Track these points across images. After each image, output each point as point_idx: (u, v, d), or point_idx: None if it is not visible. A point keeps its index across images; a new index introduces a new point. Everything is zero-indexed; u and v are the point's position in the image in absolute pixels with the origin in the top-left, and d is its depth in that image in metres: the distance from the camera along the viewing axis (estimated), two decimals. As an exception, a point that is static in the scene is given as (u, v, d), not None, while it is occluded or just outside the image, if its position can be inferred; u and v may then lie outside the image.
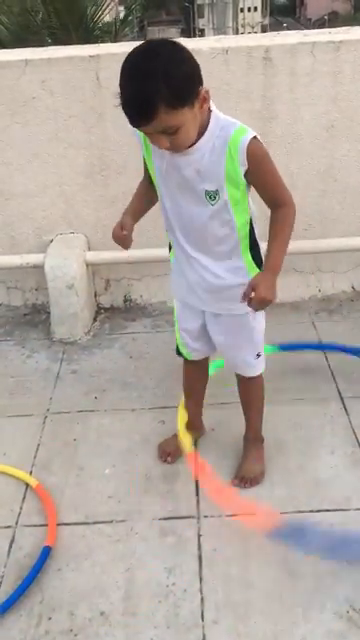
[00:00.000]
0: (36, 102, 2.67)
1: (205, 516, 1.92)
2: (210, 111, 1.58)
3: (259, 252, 1.81)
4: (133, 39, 15.60)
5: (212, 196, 1.65)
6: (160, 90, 1.39)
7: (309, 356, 2.61)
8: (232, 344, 1.93)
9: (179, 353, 2.06)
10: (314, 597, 1.67)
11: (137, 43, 2.86)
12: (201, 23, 50.54)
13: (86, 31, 9.04)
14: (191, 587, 1.72)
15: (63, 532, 1.91)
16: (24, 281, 3.05)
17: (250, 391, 2.07)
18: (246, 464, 2.08)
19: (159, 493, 2.02)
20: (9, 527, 1.93)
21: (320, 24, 48.67)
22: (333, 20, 49.05)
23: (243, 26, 52.79)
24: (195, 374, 2.12)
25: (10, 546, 1.87)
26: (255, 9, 55.54)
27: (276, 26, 56.54)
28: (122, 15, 12.33)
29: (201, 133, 1.56)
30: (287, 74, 2.60)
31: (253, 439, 2.11)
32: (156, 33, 50.98)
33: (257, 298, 1.63)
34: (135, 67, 1.45)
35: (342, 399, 2.37)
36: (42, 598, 1.72)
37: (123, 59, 2.67)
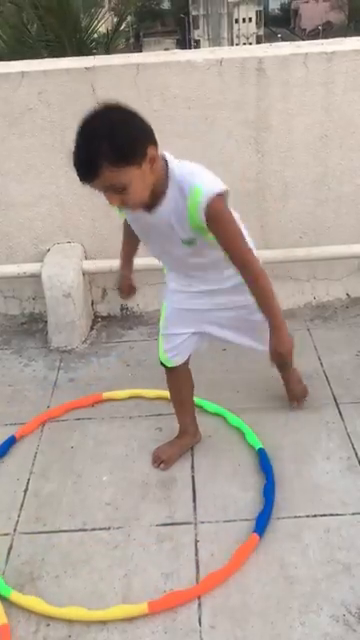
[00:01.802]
0: (33, 113, 2.71)
1: (202, 522, 1.94)
2: (166, 168, 1.63)
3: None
4: (128, 50, 15.72)
5: (189, 242, 1.73)
6: (103, 149, 1.47)
7: (305, 362, 2.63)
8: (246, 334, 2.04)
9: (162, 363, 2.09)
10: (311, 601, 1.68)
11: (132, 54, 2.91)
12: (196, 34, 50.95)
13: (80, 43, 9.11)
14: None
15: (60, 539, 1.92)
16: (21, 290, 3.07)
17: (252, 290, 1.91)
18: (292, 384, 2.33)
19: (156, 499, 2.03)
20: (7, 534, 1.94)
21: (314, 34, 49.12)
22: (327, 30, 49.50)
23: (238, 37, 53.26)
24: (179, 382, 2.14)
25: (8, 553, 1.88)
26: (250, 20, 56.06)
27: (271, 37, 57.07)
28: (118, 26, 12.43)
29: (162, 192, 1.63)
30: (280, 85, 2.64)
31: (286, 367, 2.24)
32: (152, 44, 51.40)
33: (276, 358, 1.80)
34: (84, 128, 1.53)
35: (337, 405, 2.39)
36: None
37: (119, 71, 2.72)
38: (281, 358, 1.80)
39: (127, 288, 2.18)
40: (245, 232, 1.76)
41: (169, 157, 1.65)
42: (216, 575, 1.74)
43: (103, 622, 1.66)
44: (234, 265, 1.72)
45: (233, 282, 1.86)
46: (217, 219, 1.62)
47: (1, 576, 1.78)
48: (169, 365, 2.07)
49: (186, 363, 2.09)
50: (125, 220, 1.94)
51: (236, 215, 1.72)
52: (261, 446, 2.15)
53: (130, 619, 1.67)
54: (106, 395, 2.48)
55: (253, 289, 1.74)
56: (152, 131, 1.56)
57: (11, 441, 2.27)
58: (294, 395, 2.37)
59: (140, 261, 2.86)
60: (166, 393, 2.24)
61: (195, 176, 1.62)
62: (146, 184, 1.57)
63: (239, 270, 1.72)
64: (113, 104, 1.55)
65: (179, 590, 1.73)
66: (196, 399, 2.25)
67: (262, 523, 1.88)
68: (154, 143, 1.56)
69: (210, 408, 2.36)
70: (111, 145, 1.47)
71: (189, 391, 2.18)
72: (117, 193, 1.55)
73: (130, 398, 2.48)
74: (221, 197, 1.61)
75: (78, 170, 1.54)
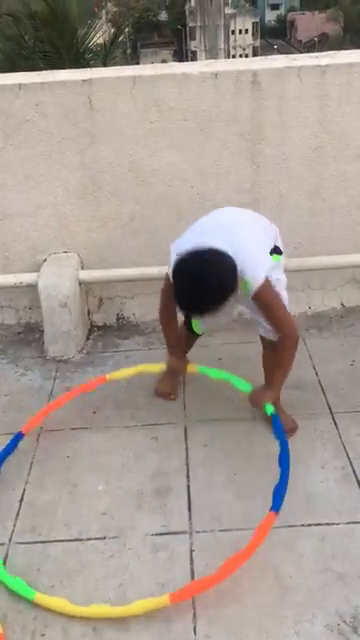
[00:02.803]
0: (30, 125, 2.73)
1: (197, 531, 1.94)
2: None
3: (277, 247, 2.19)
4: (126, 61, 15.80)
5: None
6: (210, 304, 1.91)
7: (300, 371, 2.64)
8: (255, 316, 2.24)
9: (189, 329, 2.43)
10: (305, 610, 1.69)
11: (128, 67, 2.94)
12: (193, 45, 51.31)
13: (77, 54, 9.18)
14: (183, 602, 1.73)
15: (56, 549, 1.92)
16: (18, 300, 3.08)
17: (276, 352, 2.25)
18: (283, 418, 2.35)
19: (152, 509, 2.04)
20: (2, 544, 1.94)
21: (310, 46, 49.49)
22: (323, 42, 49.88)
23: (234, 48, 53.65)
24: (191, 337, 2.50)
25: (4, 563, 1.87)
26: (246, 31, 56.48)
27: (267, 48, 57.48)
28: (115, 37, 12.53)
29: None
30: (275, 97, 2.67)
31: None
32: (149, 55, 51.70)
33: (250, 400, 2.24)
34: (190, 277, 1.89)
35: (332, 414, 2.40)
36: (36, 615, 1.73)
37: (115, 83, 2.75)
38: (253, 404, 2.24)
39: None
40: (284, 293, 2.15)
41: (237, 252, 1.96)
42: (234, 560, 1.72)
43: (98, 632, 1.67)
44: (275, 331, 2.10)
45: None
46: (263, 301, 2.04)
47: (22, 579, 1.78)
48: (200, 333, 2.45)
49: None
50: (163, 311, 2.33)
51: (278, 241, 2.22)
52: (273, 412, 2.18)
53: (151, 612, 1.68)
54: (110, 376, 2.49)
55: (280, 356, 2.12)
56: (237, 271, 1.92)
57: (19, 437, 2.26)
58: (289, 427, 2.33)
59: (136, 271, 2.91)
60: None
61: (246, 269, 1.95)
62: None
63: (278, 335, 2.10)
64: (211, 256, 1.90)
65: (198, 579, 1.74)
66: (199, 368, 2.43)
67: (278, 498, 1.86)
68: (237, 278, 1.93)
69: (215, 375, 2.41)
70: (218, 299, 1.90)
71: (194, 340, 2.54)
72: None
73: (136, 374, 2.52)
74: (263, 288, 1.98)
75: (188, 311, 2.06)
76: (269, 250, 2.11)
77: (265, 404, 2.16)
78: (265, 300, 2.02)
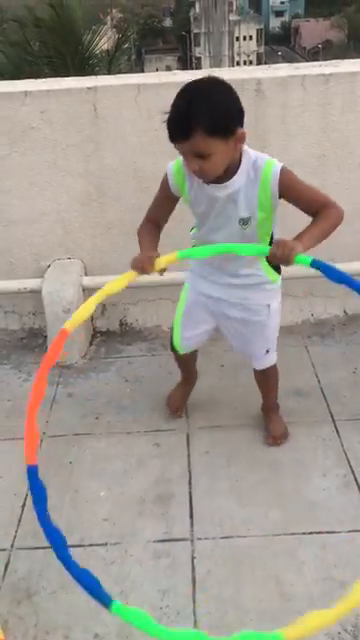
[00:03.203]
0: (35, 132, 2.75)
1: (199, 538, 1.95)
2: (242, 152, 1.78)
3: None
4: (130, 67, 15.87)
5: (245, 222, 1.86)
6: (201, 115, 1.60)
7: (302, 378, 2.65)
8: (244, 339, 2.16)
9: (173, 349, 2.29)
10: (306, 619, 1.68)
11: (133, 75, 2.96)
12: (197, 51, 51.47)
13: (82, 60, 9.23)
14: (184, 609, 1.73)
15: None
16: (21, 305, 3.10)
17: (263, 377, 2.30)
18: (272, 425, 2.32)
19: (153, 515, 2.04)
20: (4, 550, 1.95)
21: (314, 53, 49.65)
22: (327, 49, 50.06)
23: (239, 54, 53.81)
24: (187, 360, 2.38)
25: (5, 569, 1.88)
26: (250, 38, 56.68)
27: (271, 54, 57.68)
28: (120, 43, 12.61)
29: (235, 168, 1.77)
30: (279, 105, 2.69)
31: (271, 407, 2.36)
32: (153, 61, 51.89)
33: (279, 245, 1.67)
34: (189, 90, 1.68)
35: (334, 422, 2.40)
36: (37, 621, 1.73)
37: (120, 91, 2.76)
38: (279, 256, 1.68)
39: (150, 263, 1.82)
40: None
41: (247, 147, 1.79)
42: None
43: (99, 638, 1.67)
44: (315, 212, 1.81)
45: (244, 282, 2.03)
46: (290, 182, 1.80)
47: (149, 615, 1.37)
48: (180, 352, 2.28)
49: (196, 352, 2.35)
50: (147, 225, 2.03)
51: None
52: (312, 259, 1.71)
53: (127, 635, 1.66)
54: (69, 325, 1.82)
55: (320, 218, 1.82)
56: (244, 114, 1.70)
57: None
58: (274, 433, 2.32)
59: (139, 278, 2.90)
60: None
61: (264, 157, 1.80)
62: (227, 159, 1.70)
63: (319, 212, 1.82)
64: (219, 78, 1.69)
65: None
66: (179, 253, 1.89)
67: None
68: (243, 125, 1.70)
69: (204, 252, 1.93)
70: (210, 114, 1.60)
71: (194, 359, 2.41)
72: (199, 159, 1.66)
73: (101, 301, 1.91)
74: (290, 170, 1.80)
75: (170, 128, 1.67)
76: None
77: (297, 254, 1.68)
78: (293, 184, 1.80)
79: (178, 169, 1.87)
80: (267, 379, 2.31)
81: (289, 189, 1.80)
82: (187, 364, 2.41)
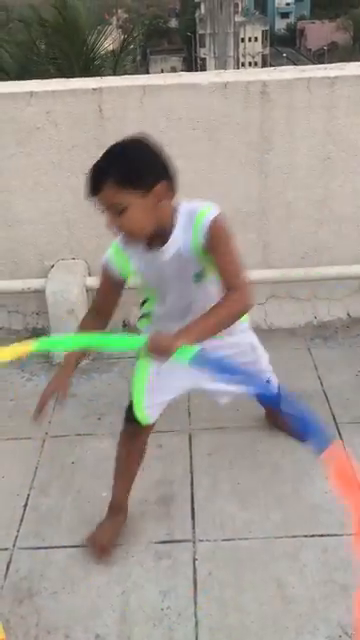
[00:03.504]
0: (40, 132, 2.75)
1: (200, 540, 1.95)
2: (176, 208, 1.64)
3: None
4: (135, 67, 15.89)
5: (200, 275, 1.71)
6: (112, 166, 1.54)
7: (304, 381, 2.65)
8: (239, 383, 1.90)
9: (130, 419, 1.90)
10: (307, 621, 1.69)
11: (139, 76, 2.96)
12: (202, 52, 51.49)
13: (87, 60, 9.25)
14: (186, 611, 1.74)
15: (59, 555, 1.93)
16: (25, 305, 3.10)
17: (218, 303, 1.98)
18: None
19: (155, 517, 2.04)
20: (6, 549, 1.95)
21: (320, 54, 49.62)
22: (333, 50, 50.04)
23: (244, 56, 53.84)
24: (137, 444, 1.96)
25: (7, 568, 1.89)
26: (256, 39, 56.70)
27: (276, 56, 57.67)
28: (125, 44, 12.62)
29: (171, 227, 1.64)
30: (284, 108, 2.69)
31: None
32: (158, 62, 51.94)
33: (153, 340, 1.51)
34: (109, 148, 1.61)
35: (337, 424, 2.40)
36: (38, 621, 1.73)
37: (125, 92, 2.77)
38: (151, 350, 1.51)
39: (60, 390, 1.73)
40: None
41: (185, 204, 1.67)
42: None
43: (100, 639, 1.67)
44: (225, 284, 1.63)
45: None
46: (218, 234, 1.61)
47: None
48: (145, 422, 1.89)
49: (149, 433, 1.97)
50: (88, 313, 1.93)
51: None
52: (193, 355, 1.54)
53: (129, 636, 1.67)
54: None
55: (217, 305, 1.61)
56: (170, 173, 1.60)
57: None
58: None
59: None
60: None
61: (201, 204, 1.66)
62: (147, 217, 1.58)
63: (227, 290, 1.63)
64: (143, 137, 1.62)
65: None
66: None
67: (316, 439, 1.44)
68: (168, 183, 1.58)
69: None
70: (121, 165, 1.55)
71: (139, 463, 2.00)
72: (116, 214, 1.57)
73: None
74: (224, 220, 1.62)
75: (87, 182, 1.60)
76: None
77: (179, 348, 1.48)
78: (222, 235, 1.61)
79: (116, 250, 1.76)
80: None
81: (213, 241, 1.61)
82: (130, 460, 1.99)
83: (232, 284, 1.63)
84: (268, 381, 2.11)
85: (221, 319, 1.61)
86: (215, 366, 1.55)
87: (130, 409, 1.89)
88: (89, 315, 1.91)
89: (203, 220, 1.61)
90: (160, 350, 1.49)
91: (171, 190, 1.60)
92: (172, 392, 1.93)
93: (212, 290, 1.72)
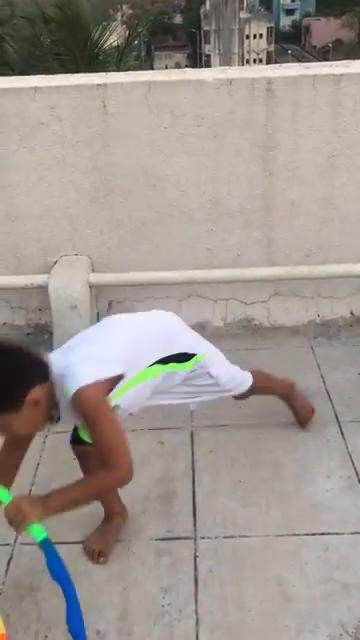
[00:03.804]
0: (44, 128, 2.75)
1: (202, 537, 1.95)
2: (52, 393, 1.59)
3: (181, 354, 1.87)
4: (140, 64, 15.84)
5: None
6: None
7: (307, 379, 2.64)
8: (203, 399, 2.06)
9: (75, 441, 1.90)
10: (308, 620, 1.69)
11: (143, 72, 2.96)
12: (207, 49, 51.31)
13: (91, 56, 9.23)
14: (186, 608, 1.74)
15: (60, 551, 1.92)
16: (28, 301, 3.10)
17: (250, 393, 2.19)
18: (298, 410, 2.36)
19: (157, 513, 2.04)
20: (7, 545, 1.95)
21: (325, 52, 49.46)
22: (338, 48, 49.85)
23: (249, 52, 53.66)
24: (92, 463, 1.84)
25: (8, 564, 1.89)
26: (260, 36, 56.49)
27: (281, 53, 57.48)
28: (129, 40, 12.57)
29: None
30: (289, 105, 2.68)
31: (285, 394, 2.35)
32: (163, 58, 51.83)
33: (9, 509, 1.50)
34: None
35: (339, 423, 2.40)
36: (39, 616, 1.74)
37: (130, 88, 2.76)
38: (7, 516, 1.51)
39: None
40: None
41: (55, 365, 1.61)
42: None
43: (101, 635, 1.67)
44: (99, 458, 1.61)
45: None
46: (83, 413, 1.57)
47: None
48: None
49: None
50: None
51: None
52: (43, 538, 1.54)
53: (129, 632, 1.67)
54: None
55: (87, 477, 1.74)
56: (38, 371, 1.55)
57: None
58: (299, 419, 2.38)
59: (146, 275, 2.92)
60: None
61: (66, 376, 1.58)
62: (32, 421, 1.58)
63: (101, 471, 1.62)
64: None
65: None
66: None
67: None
68: (40, 382, 1.54)
69: None
70: None
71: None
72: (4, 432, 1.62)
73: None
74: (88, 388, 1.54)
75: None
76: (148, 359, 1.76)
77: (31, 524, 1.50)
78: (86, 411, 1.56)
79: None
80: (255, 392, 2.23)
81: (84, 417, 1.58)
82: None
83: (105, 459, 1.59)
84: (235, 387, 2.14)
85: (92, 492, 1.65)
86: (52, 562, 1.51)
87: (75, 430, 1.88)
88: (7, 455, 1.83)
89: (69, 398, 1.56)
90: (13, 522, 1.49)
91: (45, 382, 1.56)
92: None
93: None
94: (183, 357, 1.87)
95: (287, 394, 2.34)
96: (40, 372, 1.57)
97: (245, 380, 2.15)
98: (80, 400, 1.55)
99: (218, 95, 2.67)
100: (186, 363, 1.89)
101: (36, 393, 1.53)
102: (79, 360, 1.62)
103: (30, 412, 1.54)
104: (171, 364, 1.83)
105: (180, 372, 1.88)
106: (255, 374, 2.19)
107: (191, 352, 1.90)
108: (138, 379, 1.73)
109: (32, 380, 1.54)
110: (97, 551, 1.90)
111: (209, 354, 1.99)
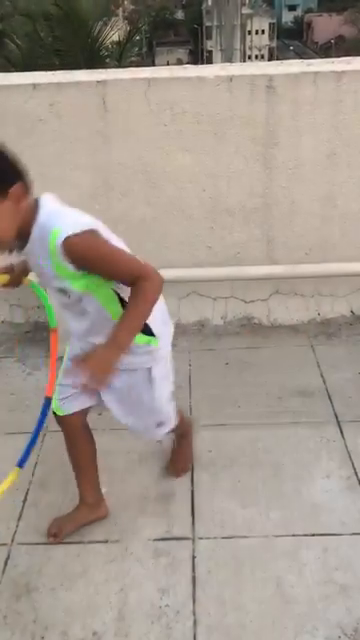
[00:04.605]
0: (44, 124, 2.73)
1: (200, 538, 1.94)
2: (36, 209, 1.55)
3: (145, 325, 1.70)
4: (141, 59, 15.80)
5: (63, 292, 1.62)
6: None
7: (307, 378, 2.63)
8: (130, 408, 1.87)
9: (54, 414, 1.93)
10: (306, 621, 1.68)
11: (143, 69, 2.94)
12: (209, 45, 51.16)
13: (92, 52, 9.20)
14: (184, 609, 1.73)
15: (58, 551, 1.92)
16: (26, 299, 3.08)
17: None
18: (180, 455, 2.20)
19: (155, 514, 2.03)
20: (4, 544, 1.94)
21: (327, 48, 49.31)
22: (340, 44, 49.67)
23: (250, 48, 53.52)
24: (74, 437, 1.94)
25: (5, 564, 1.88)
26: (262, 32, 56.33)
27: (283, 49, 57.32)
28: (130, 35, 12.53)
29: (28, 234, 1.55)
30: (290, 102, 2.66)
31: (183, 434, 2.17)
32: (164, 54, 51.68)
33: (84, 369, 1.46)
34: None
35: (339, 423, 2.38)
36: (35, 617, 1.73)
37: (129, 85, 2.74)
38: (89, 378, 1.47)
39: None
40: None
41: (45, 201, 1.58)
42: None
43: (98, 636, 1.66)
44: (128, 283, 1.57)
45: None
46: (82, 255, 1.51)
47: None
48: (59, 413, 1.90)
49: (81, 418, 1.93)
50: None
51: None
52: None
53: (126, 634, 1.67)
54: None
55: (132, 302, 1.57)
56: (19, 171, 1.53)
57: (48, 403, 1.92)
58: (176, 466, 2.20)
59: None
60: None
61: (57, 219, 1.53)
62: (8, 221, 1.52)
63: (133, 285, 1.56)
64: None
65: None
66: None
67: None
68: (21, 182, 1.51)
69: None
70: None
71: (87, 453, 1.98)
72: None
73: None
74: (80, 236, 1.50)
75: None
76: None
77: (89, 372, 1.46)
78: (87, 252, 1.51)
79: None
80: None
81: (81, 261, 1.52)
82: (76, 448, 1.97)
83: (132, 280, 1.56)
84: (160, 424, 1.92)
85: (145, 312, 1.57)
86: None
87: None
88: None
89: (55, 247, 1.49)
90: (99, 370, 1.46)
91: (26, 190, 1.54)
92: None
93: (91, 304, 1.64)
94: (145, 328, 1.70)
95: (187, 433, 2.20)
96: (23, 173, 1.53)
97: (171, 420, 1.96)
98: (75, 246, 1.49)
99: (218, 92, 2.65)
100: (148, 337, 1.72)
101: (21, 189, 1.50)
102: (69, 211, 1.58)
103: (9, 208, 1.49)
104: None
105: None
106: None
107: (152, 330, 1.73)
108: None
109: (19, 175, 1.52)
110: (52, 531, 1.96)
111: (164, 340, 1.80)
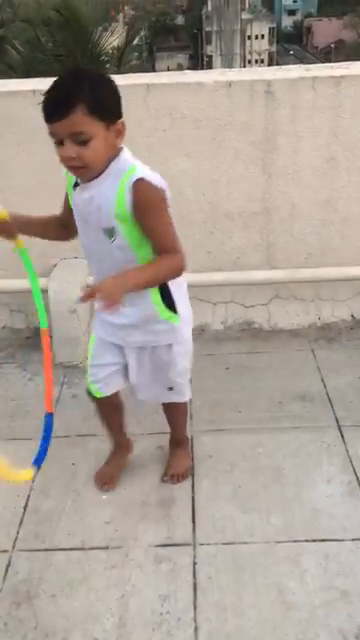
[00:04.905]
0: (43, 131, 2.72)
1: (201, 544, 1.93)
2: (120, 150, 1.61)
3: (169, 293, 1.79)
4: (141, 64, 15.87)
5: (109, 233, 1.65)
6: (85, 92, 1.46)
7: (307, 382, 2.63)
8: (146, 373, 1.95)
9: (89, 393, 2.05)
10: (308, 628, 1.67)
11: (142, 74, 2.94)
12: (209, 50, 51.32)
13: (92, 57, 9.24)
14: (185, 615, 1.72)
15: (58, 557, 1.92)
16: (27, 304, 3.09)
17: (169, 409, 2.15)
18: (175, 460, 2.20)
19: (155, 519, 2.03)
20: (5, 551, 1.94)
21: (326, 52, 49.43)
22: (340, 48, 49.77)
23: (250, 53, 53.68)
24: (109, 410, 2.09)
25: (6, 571, 1.88)
26: (262, 37, 56.50)
27: (283, 53, 57.48)
28: (130, 40, 12.58)
29: (105, 168, 1.58)
30: (289, 107, 2.66)
31: (177, 441, 2.23)
32: (165, 58, 51.86)
33: (97, 289, 1.51)
34: (70, 72, 1.60)
35: (340, 427, 2.38)
36: (36, 624, 1.72)
37: (129, 90, 2.73)
38: (95, 290, 1.51)
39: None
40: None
41: (127, 151, 1.63)
42: None
43: (98, 643, 1.66)
44: (158, 250, 1.63)
45: (135, 320, 1.81)
46: (145, 201, 1.56)
47: None
48: (97, 395, 2.01)
49: (117, 396, 2.05)
50: (56, 215, 1.93)
51: None
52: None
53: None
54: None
55: (156, 261, 1.63)
56: (121, 109, 1.58)
57: (51, 419, 1.94)
58: (173, 471, 2.19)
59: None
60: None
61: (139, 164, 1.60)
62: (105, 150, 1.54)
63: (165, 256, 1.62)
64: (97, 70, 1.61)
65: None
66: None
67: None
68: (122, 116, 1.56)
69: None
70: (93, 92, 1.48)
71: (120, 417, 2.13)
72: (77, 145, 1.50)
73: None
74: (153, 185, 1.56)
75: (50, 105, 1.49)
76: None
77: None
78: (150, 202, 1.57)
79: (66, 172, 1.69)
80: (173, 412, 2.15)
81: (140, 207, 1.57)
82: (110, 417, 2.12)
83: (165, 250, 1.62)
84: (171, 389, 2.01)
85: (162, 274, 1.64)
86: None
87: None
88: (57, 221, 1.91)
89: (129, 179, 1.55)
90: (109, 294, 1.49)
91: (124, 130, 1.58)
92: (109, 364, 1.96)
93: (129, 258, 1.66)
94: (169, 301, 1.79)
95: (181, 440, 2.23)
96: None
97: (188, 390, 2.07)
98: (150, 185, 1.56)
99: (217, 97, 2.66)
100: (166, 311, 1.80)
101: (123, 126, 1.56)
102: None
103: (111, 138, 1.54)
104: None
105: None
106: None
107: (176, 307, 1.81)
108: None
109: (121, 112, 1.56)
110: (103, 481, 2.13)
111: (186, 325, 1.90)
